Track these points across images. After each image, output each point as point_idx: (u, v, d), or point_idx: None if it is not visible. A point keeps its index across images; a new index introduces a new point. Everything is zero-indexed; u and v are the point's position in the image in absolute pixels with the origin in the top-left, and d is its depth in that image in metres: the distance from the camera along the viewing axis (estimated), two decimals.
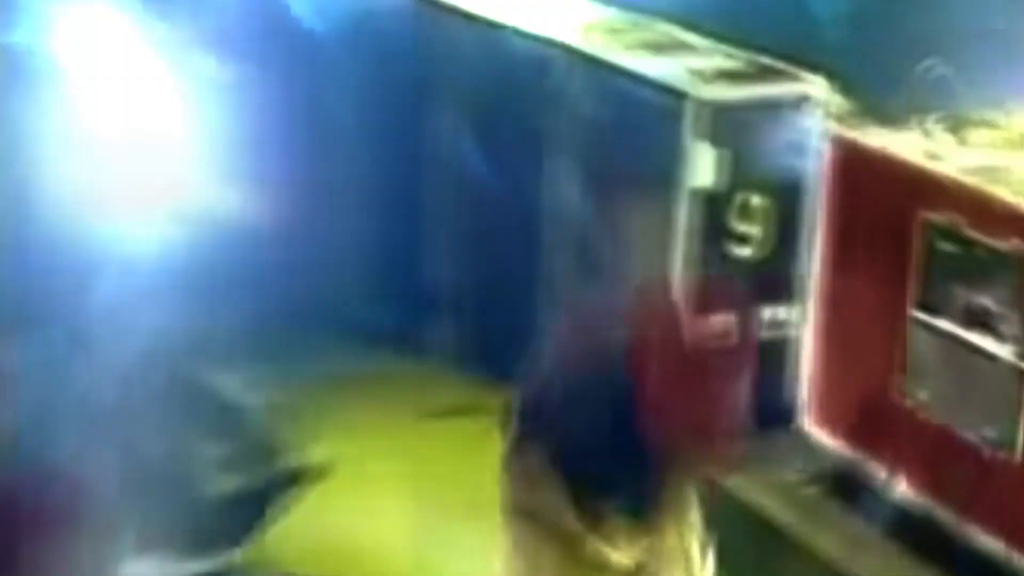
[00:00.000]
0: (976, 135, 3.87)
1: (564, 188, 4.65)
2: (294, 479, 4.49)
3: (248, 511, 4.47)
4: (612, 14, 4.95)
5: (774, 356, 4.33)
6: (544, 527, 3.06)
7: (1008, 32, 4.23)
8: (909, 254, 3.82)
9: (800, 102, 4.22)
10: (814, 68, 4.33)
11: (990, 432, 3.67)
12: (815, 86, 4.27)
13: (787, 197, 4.26)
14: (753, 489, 4.18)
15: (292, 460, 4.40)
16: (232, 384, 4.42)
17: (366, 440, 4.75)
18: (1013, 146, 3.83)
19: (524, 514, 3.09)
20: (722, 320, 4.25)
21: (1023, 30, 4.22)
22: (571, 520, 3.02)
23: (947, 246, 3.73)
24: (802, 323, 4.24)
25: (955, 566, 3.82)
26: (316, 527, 4.49)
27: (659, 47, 4.60)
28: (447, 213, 5.32)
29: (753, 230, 4.31)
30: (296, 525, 4.45)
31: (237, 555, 4.18)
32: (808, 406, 4.22)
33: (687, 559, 3.20)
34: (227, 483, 4.48)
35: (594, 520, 3.03)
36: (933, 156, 3.81)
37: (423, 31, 5.36)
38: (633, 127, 4.41)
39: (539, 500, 3.04)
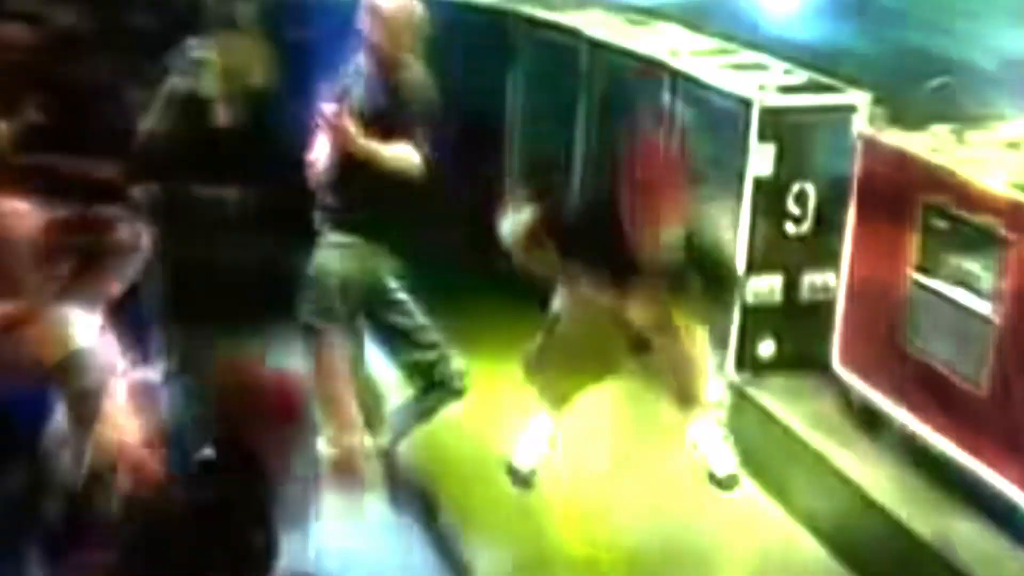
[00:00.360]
0: (972, 136, 4.84)
1: None
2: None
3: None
4: (710, 42, 6.12)
5: (819, 314, 5.37)
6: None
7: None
8: (911, 229, 4.82)
9: (844, 110, 5.23)
10: (857, 84, 5.38)
11: (965, 371, 4.63)
12: (856, 98, 5.31)
13: (832, 186, 5.28)
14: (787, 412, 5.24)
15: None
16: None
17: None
18: (1000, 146, 4.79)
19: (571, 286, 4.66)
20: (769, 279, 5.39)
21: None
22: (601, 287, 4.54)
23: (939, 223, 4.70)
24: (837, 286, 5.29)
25: (949, 482, 4.79)
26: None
27: (740, 67, 5.70)
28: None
29: (804, 212, 5.38)
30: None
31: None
32: (838, 351, 5.27)
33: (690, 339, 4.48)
34: None
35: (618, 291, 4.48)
36: (934, 152, 4.81)
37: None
38: (716, 128, 5.51)
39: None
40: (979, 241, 4.51)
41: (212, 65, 5.72)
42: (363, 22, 5.19)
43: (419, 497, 5.16)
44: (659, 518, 4.93)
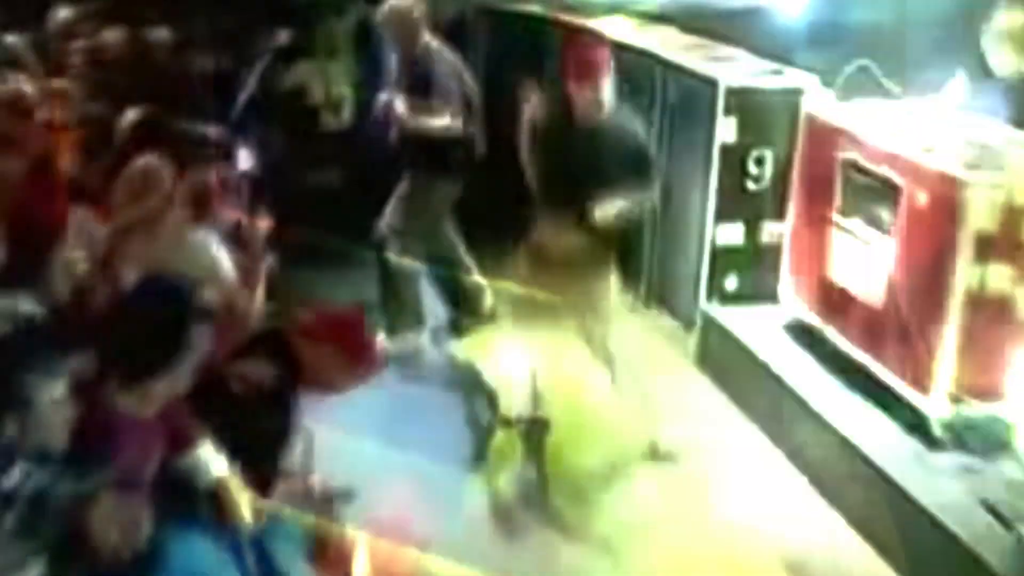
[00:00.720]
0: (880, 107, 6.02)
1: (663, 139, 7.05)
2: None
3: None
4: (696, 39, 7.43)
5: (774, 255, 6.58)
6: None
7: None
8: (834, 182, 6.03)
9: (793, 92, 6.46)
10: (807, 69, 6.63)
11: (870, 291, 5.81)
12: (803, 80, 6.54)
13: (784, 151, 6.51)
14: (743, 332, 6.46)
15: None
16: None
17: None
18: (900, 114, 5.94)
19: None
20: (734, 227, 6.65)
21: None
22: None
23: (854, 176, 5.90)
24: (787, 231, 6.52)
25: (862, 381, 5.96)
26: None
27: (717, 59, 6.99)
28: None
29: (762, 173, 6.61)
30: None
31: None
32: (783, 283, 6.49)
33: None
34: None
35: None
36: (850, 120, 5.99)
37: None
38: (692, 104, 6.79)
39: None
40: (881, 189, 5.71)
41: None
42: (380, 21, 6.88)
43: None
44: None
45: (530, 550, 5.28)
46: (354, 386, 4.38)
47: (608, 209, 5.49)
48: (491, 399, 6.19)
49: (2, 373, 3.98)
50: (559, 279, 5.68)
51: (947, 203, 5.26)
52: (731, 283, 6.68)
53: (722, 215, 6.60)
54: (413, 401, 6.19)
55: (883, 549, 5.23)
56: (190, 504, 3.74)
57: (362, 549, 4.60)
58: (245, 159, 6.61)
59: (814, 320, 6.18)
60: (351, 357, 4.35)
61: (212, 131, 6.56)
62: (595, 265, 5.74)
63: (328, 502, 4.83)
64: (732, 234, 6.62)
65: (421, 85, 6.64)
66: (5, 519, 3.46)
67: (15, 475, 3.44)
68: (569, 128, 5.67)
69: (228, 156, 6.31)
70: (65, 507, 3.49)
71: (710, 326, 6.62)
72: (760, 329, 6.44)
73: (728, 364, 6.46)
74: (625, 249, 6.01)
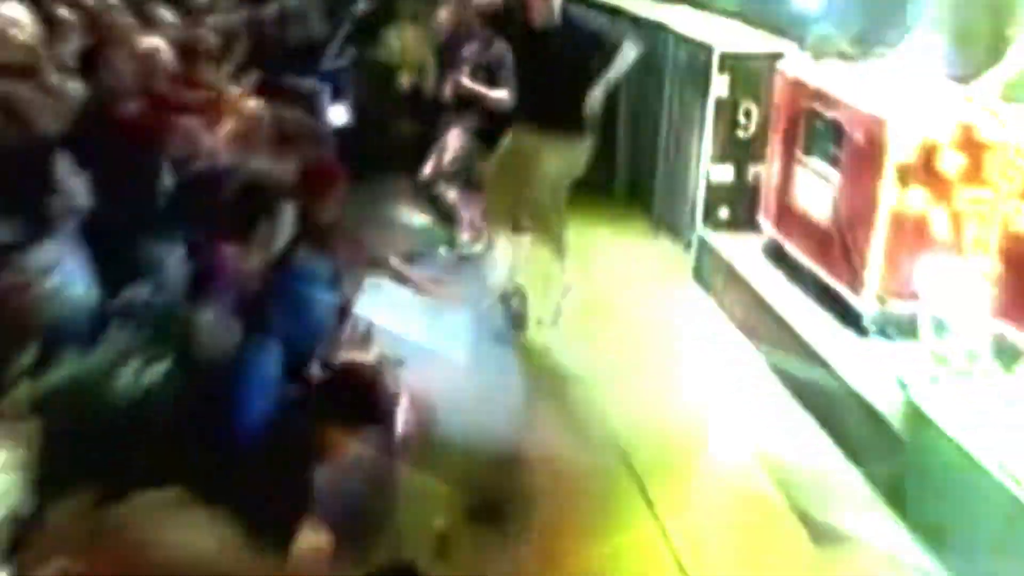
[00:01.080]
0: (843, 65, 7.35)
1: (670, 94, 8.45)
2: None
3: None
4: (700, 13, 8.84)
5: (758, 191, 7.94)
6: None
7: None
8: (802, 126, 7.38)
9: (775, 56, 7.82)
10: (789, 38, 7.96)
11: (823, 214, 7.14)
12: (784, 46, 7.88)
13: (767, 105, 7.87)
14: (731, 253, 7.84)
15: None
16: None
17: None
18: (852, 72, 7.24)
19: None
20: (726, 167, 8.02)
21: None
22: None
23: (815, 121, 7.23)
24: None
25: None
26: None
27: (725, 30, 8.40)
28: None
29: (749, 122, 7.98)
30: None
31: None
32: (761, 210, 7.84)
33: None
34: None
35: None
36: (813, 77, 7.33)
37: None
38: (696, 66, 8.18)
39: None
40: (832, 132, 7.04)
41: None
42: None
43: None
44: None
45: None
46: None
47: (592, 100, 6.86)
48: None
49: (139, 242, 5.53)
50: (524, 180, 7.10)
51: (877, 140, 6.58)
52: (723, 213, 8.08)
53: (716, 157, 8.00)
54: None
55: (823, 421, 6.57)
56: (266, 324, 5.19)
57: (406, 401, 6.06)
58: (337, 113, 8.20)
59: (781, 240, 7.54)
60: None
61: (309, 86, 8.17)
62: (559, 164, 7.15)
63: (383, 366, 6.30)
64: (724, 173, 8.03)
65: (485, 66, 8.14)
66: (139, 332, 4.96)
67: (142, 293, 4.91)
68: (531, 33, 7.01)
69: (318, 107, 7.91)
70: (182, 326, 4.99)
71: (704, 247, 8.03)
72: (742, 249, 7.83)
73: (716, 277, 7.86)
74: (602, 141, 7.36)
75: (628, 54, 6.99)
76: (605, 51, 6.90)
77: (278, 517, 4.31)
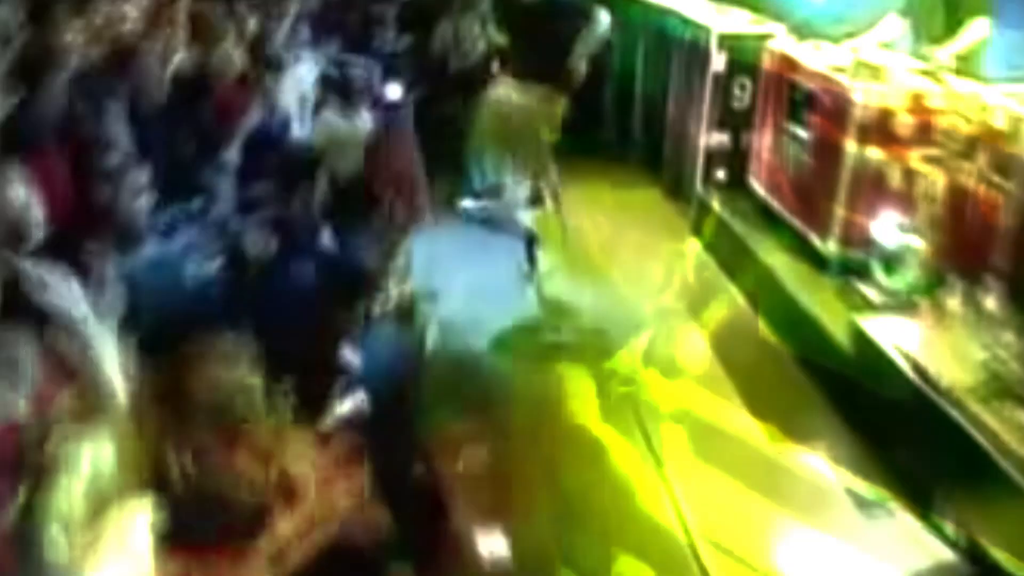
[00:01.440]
0: (824, 45, 8.38)
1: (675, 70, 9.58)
2: None
3: None
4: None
5: (750, 156, 9.01)
6: None
7: None
8: (784, 96, 8.43)
9: (766, 36, 8.88)
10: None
11: (799, 171, 8.18)
12: (774, 28, 8.93)
13: (759, 79, 8.93)
14: (725, 211, 8.89)
15: None
16: None
17: None
18: (829, 51, 8.29)
19: None
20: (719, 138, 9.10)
21: None
22: None
23: (797, 92, 8.29)
24: None
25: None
26: None
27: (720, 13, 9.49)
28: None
29: (744, 94, 9.04)
30: None
31: None
32: (752, 173, 8.90)
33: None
34: None
35: None
36: (795, 53, 8.38)
37: None
38: (698, 46, 9.28)
39: None
40: (808, 100, 8.08)
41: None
42: None
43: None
44: None
45: None
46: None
47: (575, 62, 8.02)
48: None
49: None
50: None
51: (841, 105, 7.62)
52: (720, 175, 9.15)
53: (714, 125, 9.09)
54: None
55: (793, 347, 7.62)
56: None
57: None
58: (391, 90, 9.35)
59: (767, 197, 8.60)
60: None
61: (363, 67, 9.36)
62: (543, 116, 8.28)
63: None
64: (721, 140, 9.10)
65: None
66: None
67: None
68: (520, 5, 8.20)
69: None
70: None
71: (703, 206, 9.10)
72: (734, 206, 8.89)
73: (712, 231, 8.93)
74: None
75: (603, 21, 8.16)
76: (581, 18, 8.06)
77: (313, 385, 5.48)
